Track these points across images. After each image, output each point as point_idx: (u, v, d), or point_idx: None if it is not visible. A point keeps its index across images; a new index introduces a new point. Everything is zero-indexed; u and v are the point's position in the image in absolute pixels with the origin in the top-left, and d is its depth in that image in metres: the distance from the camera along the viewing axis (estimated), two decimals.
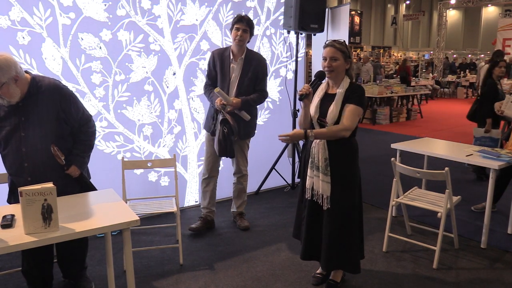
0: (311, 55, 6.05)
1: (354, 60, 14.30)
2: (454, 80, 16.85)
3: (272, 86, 4.47)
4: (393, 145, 3.71)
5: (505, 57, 11.52)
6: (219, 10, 3.95)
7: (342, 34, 4.83)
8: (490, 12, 29.15)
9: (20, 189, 1.78)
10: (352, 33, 15.22)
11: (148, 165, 3.08)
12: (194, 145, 4.00)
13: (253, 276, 2.83)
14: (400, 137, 7.00)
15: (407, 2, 30.72)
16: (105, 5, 3.34)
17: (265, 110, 4.47)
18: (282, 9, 4.36)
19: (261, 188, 4.55)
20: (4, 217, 1.92)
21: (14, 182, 2.34)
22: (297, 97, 2.52)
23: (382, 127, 9.21)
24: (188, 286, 2.70)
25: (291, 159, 4.55)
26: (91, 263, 2.94)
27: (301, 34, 4.48)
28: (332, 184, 2.43)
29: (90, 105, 3.38)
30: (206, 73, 3.46)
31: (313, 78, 2.56)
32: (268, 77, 4.39)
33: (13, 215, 1.95)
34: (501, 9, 24.26)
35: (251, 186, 4.42)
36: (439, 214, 2.92)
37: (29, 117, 2.24)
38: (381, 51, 27.06)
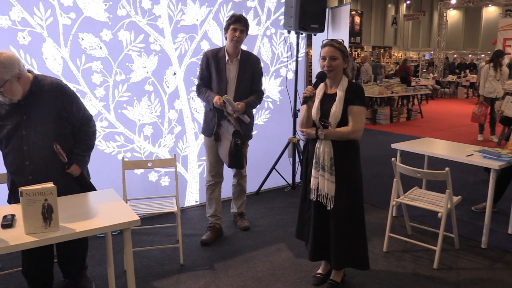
0: (311, 55, 6.04)
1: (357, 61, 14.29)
2: (454, 80, 16.84)
3: (273, 86, 4.47)
4: (393, 145, 3.70)
5: (505, 57, 11.55)
6: (219, 10, 3.95)
7: (342, 34, 4.83)
8: (490, 12, 29.14)
9: (20, 189, 1.78)
10: (353, 33, 15.21)
11: (149, 165, 3.08)
12: (195, 145, 4.00)
13: (254, 276, 2.83)
14: (400, 137, 7.00)
15: (408, 2, 30.71)
16: (106, 5, 3.34)
17: (265, 110, 4.46)
18: (282, 9, 4.36)
19: (262, 188, 4.54)
20: (4, 217, 1.92)
21: (14, 181, 2.34)
22: (301, 100, 2.49)
23: (383, 127, 9.21)
24: (189, 286, 2.70)
25: (291, 159, 4.54)
26: (91, 263, 2.94)
27: (302, 34, 4.48)
28: (336, 183, 2.45)
29: (91, 105, 3.38)
30: (198, 74, 3.38)
31: (313, 79, 2.56)
32: (268, 77, 4.41)
33: (13, 215, 1.95)
34: (502, 9, 24.26)
35: (252, 186, 4.43)
36: (439, 214, 2.92)
37: (31, 116, 2.24)
38: (382, 51, 27.08)
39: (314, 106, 2.47)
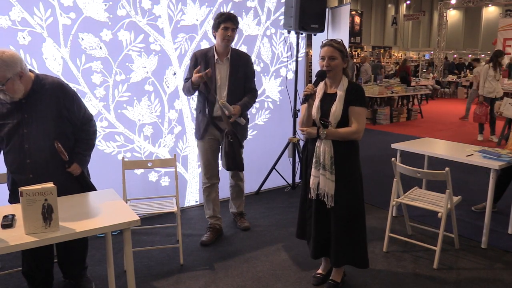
0: (311, 55, 6.05)
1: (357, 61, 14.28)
2: (454, 80, 16.84)
3: (273, 86, 4.47)
4: (393, 145, 3.70)
5: (505, 57, 11.56)
6: (219, 10, 3.95)
7: (342, 34, 4.83)
8: (490, 12, 29.14)
9: (20, 189, 1.78)
10: (353, 33, 15.19)
11: (149, 165, 3.08)
12: (195, 145, 4.00)
13: (254, 276, 2.83)
14: (400, 137, 7.01)
15: (408, 2, 30.71)
16: (106, 5, 3.34)
17: (265, 110, 4.46)
18: (282, 9, 4.36)
19: (261, 188, 4.54)
20: (4, 217, 1.92)
21: (15, 180, 2.34)
22: (301, 98, 2.49)
23: (383, 127, 9.21)
24: (189, 286, 2.70)
25: (291, 159, 4.54)
26: (91, 263, 2.94)
27: (302, 34, 4.47)
28: (336, 182, 2.46)
29: (91, 105, 3.38)
30: (185, 76, 3.31)
31: (313, 78, 2.57)
32: (268, 77, 4.41)
33: (13, 215, 1.95)
34: (502, 9, 24.26)
35: (252, 186, 4.43)
36: (439, 214, 2.92)
37: (32, 114, 2.25)
38: (382, 51, 27.07)
39: (315, 105, 2.48)
